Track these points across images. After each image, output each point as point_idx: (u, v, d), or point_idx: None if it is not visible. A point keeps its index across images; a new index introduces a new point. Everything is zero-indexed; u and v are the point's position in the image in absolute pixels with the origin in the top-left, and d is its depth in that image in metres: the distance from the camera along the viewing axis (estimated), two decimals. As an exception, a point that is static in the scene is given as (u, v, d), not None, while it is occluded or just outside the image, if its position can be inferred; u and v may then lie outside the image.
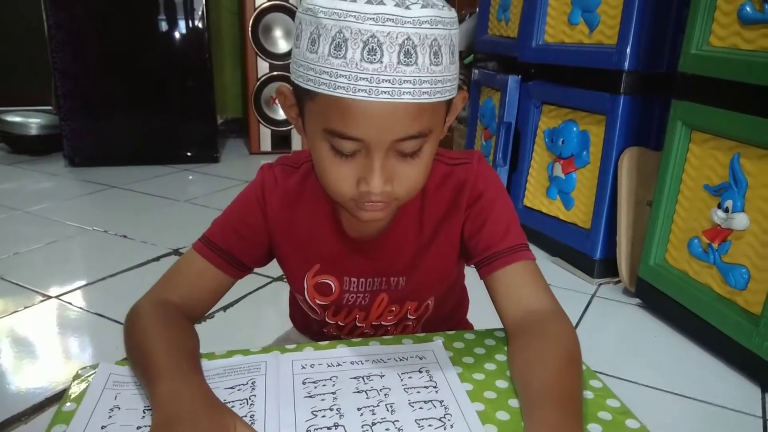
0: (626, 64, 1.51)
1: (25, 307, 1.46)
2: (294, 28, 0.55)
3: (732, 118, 1.20)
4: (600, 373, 1.19)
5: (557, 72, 1.74)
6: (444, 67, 0.52)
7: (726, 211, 1.22)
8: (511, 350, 0.59)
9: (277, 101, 3.13)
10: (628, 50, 1.50)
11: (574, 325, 1.45)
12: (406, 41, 0.48)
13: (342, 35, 0.48)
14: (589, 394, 0.54)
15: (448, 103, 0.56)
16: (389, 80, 0.48)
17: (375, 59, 0.48)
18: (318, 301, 0.69)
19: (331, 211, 0.66)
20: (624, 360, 1.31)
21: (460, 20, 2.52)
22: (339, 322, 0.71)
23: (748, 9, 1.17)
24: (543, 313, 0.60)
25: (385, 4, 0.48)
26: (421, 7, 0.48)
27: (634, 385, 1.20)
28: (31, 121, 3.03)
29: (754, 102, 1.15)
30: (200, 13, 2.80)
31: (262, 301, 1.50)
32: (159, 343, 0.55)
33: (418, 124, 0.51)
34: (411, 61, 0.49)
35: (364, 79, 0.48)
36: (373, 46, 0.48)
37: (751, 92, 1.15)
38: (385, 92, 0.49)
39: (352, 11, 0.48)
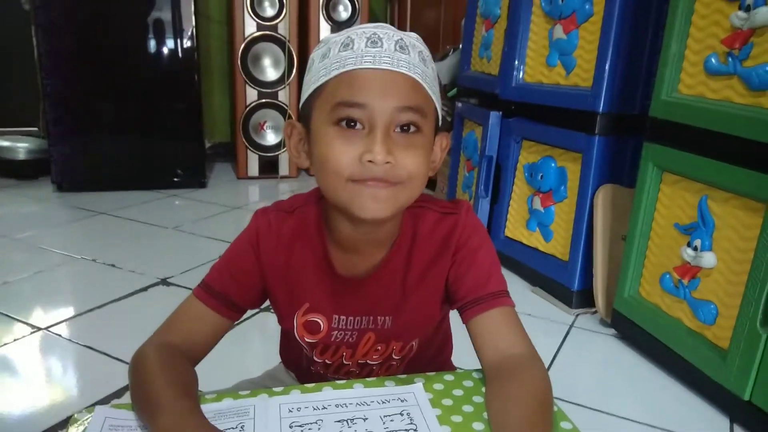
0: (601, 106, 1.58)
1: (15, 339, 1.48)
2: (305, 73, 0.67)
3: (700, 163, 1.27)
4: (576, 404, 1.25)
5: (536, 110, 1.81)
6: (431, 77, 0.64)
7: (695, 249, 1.29)
8: (488, 393, 0.63)
9: (261, 129, 3.19)
10: (602, 93, 1.57)
11: (552, 355, 1.50)
12: (400, 40, 0.61)
13: (349, 38, 0.61)
14: (559, 436, 0.58)
15: (436, 126, 0.66)
16: (389, 58, 0.60)
17: (377, 46, 0.60)
18: (307, 339, 0.72)
19: (323, 251, 0.70)
20: (599, 391, 1.36)
21: (444, 55, 2.60)
22: (326, 360, 0.75)
23: (713, 60, 1.24)
24: (519, 357, 0.64)
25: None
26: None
27: (608, 416, 1.25)
28: (19, 145, 3.04)
29: (719, 148, 1.21)
30: (190, 38, 2.84)
31: (249, 332, 1.53)
32: (160, 381, 0.59)
33: (414, 97, 0.60)
34: (405, 52, 0.61)
35: (369, 56, 0.59)
36: (374, 39, 0.60)
37: (716, 139, 1.22)
38: (386, 63, 0.59)
39: (357, 27, 0.63)
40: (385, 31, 0.61)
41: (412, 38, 0.63)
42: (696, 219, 1.29)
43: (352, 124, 0.59)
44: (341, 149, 0.59)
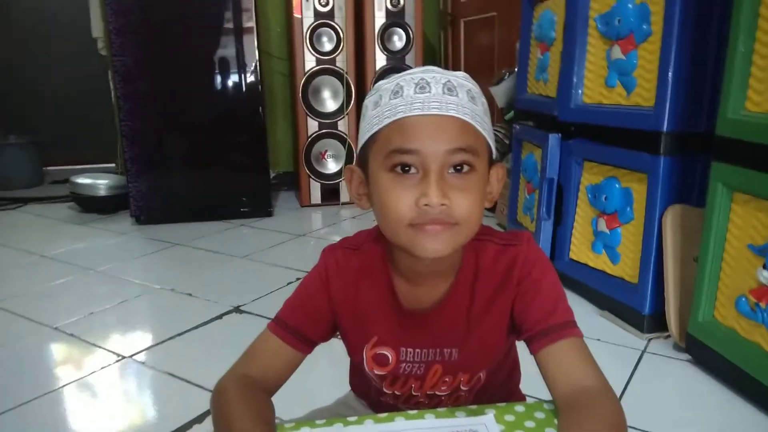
0: (665, 125, 1.55)
1: (102, 368, 1.58)
2: (360, 119, 0.70)
3: (771, 181, 1.23)
4: (650, 434, 1.21)
5: (597, 131, 1.80)
6: (480, 114, 0.65)
7: (772, 271, 1.24)
8: (561, 426, 0.62)
9: (323, 158, 3.28)
10: (666, 112, 1.54)
11: (624, 382, 1.46)
12: (447, 83, 0.64)
13: (398, 85, 0.64)
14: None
15: (490, 159, 0.68)
16: (438, 102, 0.62)
17: (425, 91, 0.63)
18: (376, 372, 0.75)
19: (388, 286, 0.73)
20: (674, 419, 1.32)
21: (500, 79, 2.61)
22: (395, 392, 0.77)
23: (781, 76, 1.21)
24: (591, 390, 0.64)
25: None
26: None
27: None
28: (100, 182, 3.26)
29: (792, 166, 1.18)
30: (253, 73, 2.99)
31: (317, 357, 1.57)
32: (239, 413, 0.63)
33: (464, 138, 0.62)
34: (453, 94, 0.63)
35: (418, 102, 0.62)
36: (422, 85, 0.63)
37: (788, 156, 1.18)
38: (434, 108, 0.62)
39: (406, 73, 0.65)
40: (432, 75, 0.64)
41: (460, 78, 0.65)
42: (771, 239, 1.25)
43: (407, 169, 0.62)
44: (398, 195, 0.62)
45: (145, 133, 2.93)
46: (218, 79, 2.99)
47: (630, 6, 1.65)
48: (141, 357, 1.63)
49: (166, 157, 3.01)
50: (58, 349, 1.72)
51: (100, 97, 3.88)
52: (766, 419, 1.28)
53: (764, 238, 1.27)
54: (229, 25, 2.94)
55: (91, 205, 3.25)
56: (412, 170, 0.62)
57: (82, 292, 2.15)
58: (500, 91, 2.58)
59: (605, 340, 1.63)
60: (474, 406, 0.70)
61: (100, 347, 1.69)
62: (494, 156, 0.70)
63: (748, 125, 1.28)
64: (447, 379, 0.75)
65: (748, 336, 1.33)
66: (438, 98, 0.62)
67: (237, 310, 1.91)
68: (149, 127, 2.94)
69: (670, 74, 1.53)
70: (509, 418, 0.67)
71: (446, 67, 0.70)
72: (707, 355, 1.44)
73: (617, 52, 1.71)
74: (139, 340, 1.76)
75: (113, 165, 3.96)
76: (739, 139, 1.30)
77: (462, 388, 0.76)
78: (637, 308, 1.68)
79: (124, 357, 1.63)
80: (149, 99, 2.90)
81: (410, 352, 0.73)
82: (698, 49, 1.55)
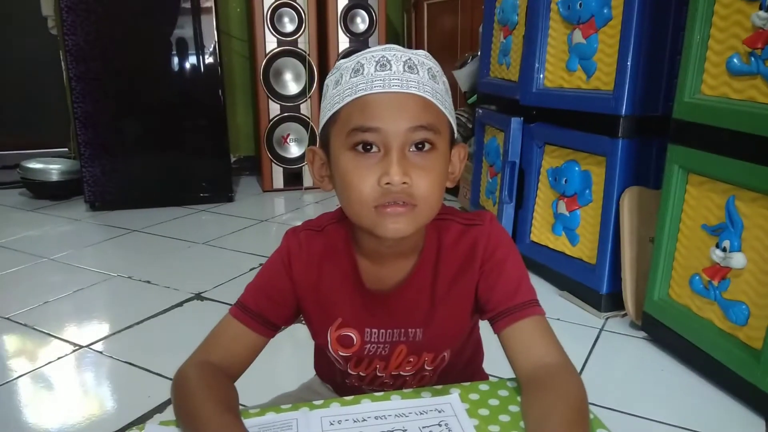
0: (623, 109, 1.58)
1: (58, 358, 1.53)
2: (321, 99, 0.69)
3: (725, 163, 1.26)
4: (608, 408, 1.26)
5: (557, 115, 1.82)
6: (442, 92, 0.65)
7: (724, 250, 1.28)
8: (524, 403, 0.64)
9: (285, 142, 3.24)
10: (624, 96, 1.57)
11: (583, 359, 1.50)
12: (408, 60, 0.63)
13: (359, 63, 0.63)
14: (596, 444, 0.58)
15: (452, 138, 0.67)
16: (398, 80, 0.62)
17: (386, 69, 0.62)
18: (341, 353, 0.74)
19: (352, 267, 0.72)
20: (631, 394, 1.36)
21: (463, 63, 2.62)
22: (360, 373, 0.76)
23: (735, 61, 1.24)
24: (553, 366, 0.65)
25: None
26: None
27: (640, 419, 1.25)
28: (52, 167, 3.14)
29: (745, 148, 1.21)
30: (212, 54, 2.91)
31: (281, 343, 1.55)
32: (202, 399, 0.61)
33: (425, 116, 0.62)
34: (414, 72, 0.63)
35: (378, 80, 0.61)
36: (383, 62, 0.62)
37: (741, 139, 1.21)
38: (395, 86, 0.61)
39: (367, 51, 0.64)
40: (393, 53, 0.63)
41: (421, 56, 0.65)
42: (724, 220, 1.29)
43: (368, 147, 0.62)
44: (360, 176, 0.62)
45: (99, 116, 2.83)
46: (176, 60, 2.90)
47: (591, -10, 1.67)
48: (99, 346, 1.58)
49: (122, 140, 2.92)
50: (10, 340, 1.66)
51: (51, 79, 3.72)
52: (718, 392, 1.34)
53: (717, 218, 1.31)
54: (187, 4, 2.85)
55: (43, 191, 3.13)
56: (374, 149, 0.62)
57: (36, 280, 2.07)
58: (463, 75, 2.59)
59: (564, 319, 1.67)
60: (439, 386, 0.70)
61: (55, 337, 1.64)
62: (456, 136, 0.69)
63: (703, 108, 1.31)
64: (411, 359, 0.75)
65: (701, 313, 1.37)
66: (399, 76, 0.62)
67: (198, 297, 1.87)
68: (103, 110, 2.84)
69: (629, 59, 1.55)
70: (474, 396, 0.67)
71: (409, 50, 0.70)
72: (662, 333, 1.49)
73: (578, 36, 1.73)
74: (97, 329, 1.71)
75: (66, 149, 3.82)
76: (694, 122, 1.33)
77: (426, 368, 0.76)
78: (595, 288, 1.72)
79: (81, 346, 1.58)
80: (103, 80, 2.80)
81: (375, 333, 0.73)
82: (657, 34, 1.58)
